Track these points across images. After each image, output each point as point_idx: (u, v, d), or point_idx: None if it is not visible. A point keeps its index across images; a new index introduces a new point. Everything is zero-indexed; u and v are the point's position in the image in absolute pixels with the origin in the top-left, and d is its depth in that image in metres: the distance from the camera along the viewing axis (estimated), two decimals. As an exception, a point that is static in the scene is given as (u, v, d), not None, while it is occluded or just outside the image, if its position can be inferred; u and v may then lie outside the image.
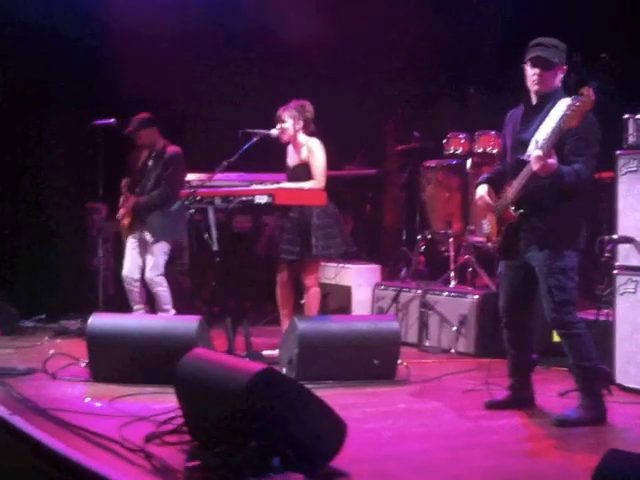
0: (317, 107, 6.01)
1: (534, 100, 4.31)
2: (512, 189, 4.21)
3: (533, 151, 4.05)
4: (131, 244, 6.66)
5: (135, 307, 6.62)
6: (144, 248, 6.60)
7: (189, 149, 6.98)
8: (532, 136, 4.18)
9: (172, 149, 6.72)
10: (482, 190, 4.48)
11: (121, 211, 6.76)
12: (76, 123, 7.21)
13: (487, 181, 4.51)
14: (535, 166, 3.99)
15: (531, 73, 4.25)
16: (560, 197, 4.16)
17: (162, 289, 6.54)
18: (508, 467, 3.47)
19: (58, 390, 4.72)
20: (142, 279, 6.57)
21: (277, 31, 7.95)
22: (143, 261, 6.60)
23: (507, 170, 4.39)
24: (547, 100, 4.22)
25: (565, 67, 4.26)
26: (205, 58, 8.26)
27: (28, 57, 7.40)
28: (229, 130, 5.96)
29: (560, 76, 4.27)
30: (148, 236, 6.55)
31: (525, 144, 4.22)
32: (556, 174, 4.00)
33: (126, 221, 6.71)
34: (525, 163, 4.11)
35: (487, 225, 4.54)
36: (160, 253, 6.54)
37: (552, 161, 3.97)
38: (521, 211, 4.20)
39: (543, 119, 4.18)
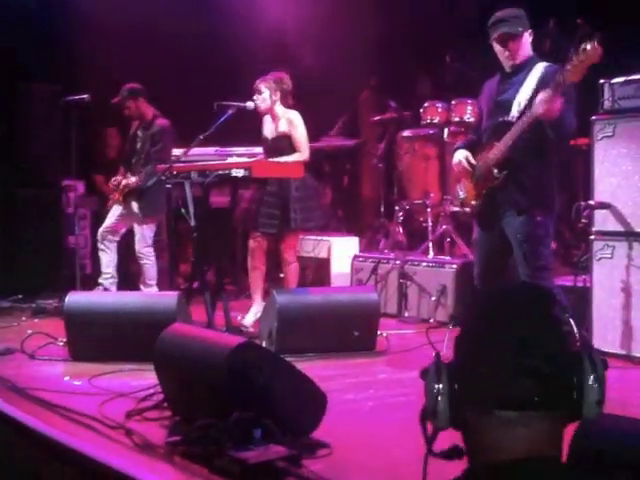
0: (291, 77, 5.96)
1: (509, 69, 4.33)
2: (496, 150, 4.23)
3: (540, 94, 4.01)
4: (116, 209, 6.71)
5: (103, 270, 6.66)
6: (129, 218, 6.63)
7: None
8: (513, 98, 4.22)
9: (161, 122, 6.71)
10: (461, 154, 4.50)
11: (115, 184, 6.76)
12: (48, 99, 7.13)
13: (465, 147, 4.52)
14: (542, 108, 3.96)
15: (501, 49, 4.31)
16: (540, 158, 4.22)
17: (148, 263, 6.62)
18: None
19: (37, 370, 4.69)
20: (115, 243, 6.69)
21: (253, 2, 7.88)
22: (122, 228, 6.71)
23: (484, 136, 4.41)
24: (523, 67, 4.30)
25: (530, 30, 4.29)
26: (177, 30, 8.17)
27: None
28: (204, 103, 5.90)
29: (529, 40, 4.30)
30: (136, 208, 6.56)
31: (505, 106, 4.27)
32: (561, 116, 4.01)
33: (117, 196, 6.71)
34: (510, 124, 4.16)
35: (462, 191, 4.56)
36: (147, 226, 6.58)
37: (561, 101, 3.98)
38: (505, 172, 4.21)
39: (522, 82, 4.24)
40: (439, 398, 1.39)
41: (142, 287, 6.66)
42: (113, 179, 6.84)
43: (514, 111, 4.21)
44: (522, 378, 1.32)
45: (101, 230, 6.70)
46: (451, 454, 1.44)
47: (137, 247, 6.65)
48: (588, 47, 3.85)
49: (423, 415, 1.44)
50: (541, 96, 3.99)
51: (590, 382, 1.36)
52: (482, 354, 1.36)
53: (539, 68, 4.23)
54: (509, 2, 4.32)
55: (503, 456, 1.34)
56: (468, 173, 4.44)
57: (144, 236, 6.62)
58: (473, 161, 4.45)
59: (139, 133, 6.78)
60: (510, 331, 1.35)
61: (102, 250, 6.67)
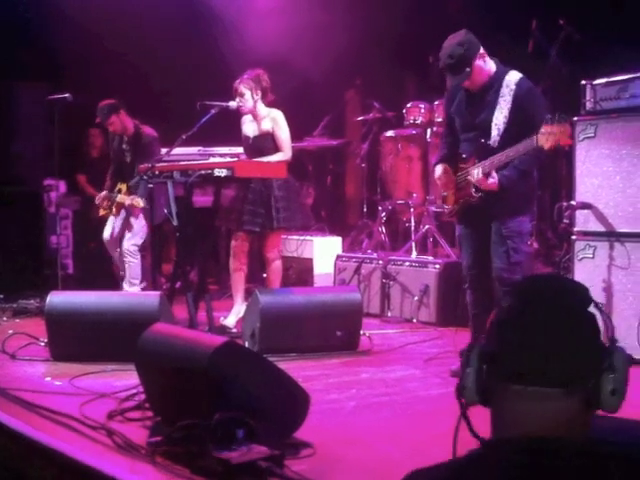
0: (275, 77, 5.95)
1: (476, 89, 4.35)
2: (477, 170, 4.25)
3: (475, 174, 4.22)
4: (112, 218, 6.77)
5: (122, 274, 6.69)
6: (127, 219, 6.67)
7: (147, 123, 6.89)
8: (490, 120, 4.26)
9: (148, 131, 6.72)
10: (439, 171, 4.58)
11: (102, 202, 6.79)
12: (31, 97, 7.10)
13: (442, 160, 4.57)
14: (478, 185, 4.22)
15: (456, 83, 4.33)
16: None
17: (133, 261, 6.63)
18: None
19: (18, 370, 4.65)
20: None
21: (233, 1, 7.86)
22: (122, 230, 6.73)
23: (462, 148, 4.44)
24: (489, 87, 4.30)
25: (480, 52, 4.25)
26: (161, 30, 8.13)
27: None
28: (187, 103, 5.89)
29: (483, 62, 4.28)
30: (142, 203, 6.55)
31: (483, 127, 4.30)
32: (498, 189, 4.19)
33: (114, 211, 6.72)
34: (491, 150, 4.22)
35: (444, 190, 4.61)
36: (139, 225, 6.58)
37: (493, 181, 4.18)
38: (480, 194, 4.29)
39: (495, 103, 4.26)
40: (468, 375, 1.49)
41: (126, 286, 6.63)
42: (100, 197, 6.80)
43: (494, 135, 4.25)
44: (534, 353, 1.40)
45: (104, 237, 6.68)
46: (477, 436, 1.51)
47: (126, 244, 6.64)
48: (565, 125, 3.90)
49: (456, 391, 1.53)
50: (475, 177, 4.21)
51: (606, 370, 1.41)
52: (507, 334, 1.45)
53: (509, 84, 4.23)
54: (493, 3, 4.31)
55: (517, 430, 1.41)
56: (449, 185, 4.50)
57: (134, 234, 6.61)
58: (452, 174, 4.50)
59: (124, 146, 6.76)
60: (534, 315, 1.44)
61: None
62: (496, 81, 4.27)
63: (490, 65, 4.31)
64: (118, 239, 6.70)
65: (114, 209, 6.72)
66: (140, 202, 6.45)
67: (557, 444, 1.37)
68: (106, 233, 6.74)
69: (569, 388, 1.40)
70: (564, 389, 1.40)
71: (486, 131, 4.28)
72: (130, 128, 6.74)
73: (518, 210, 4.33)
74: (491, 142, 4.25)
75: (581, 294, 1.50)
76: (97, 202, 6.86)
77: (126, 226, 6.70)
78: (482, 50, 4.27)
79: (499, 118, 4.23)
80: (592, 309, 1.50)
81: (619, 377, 1.42)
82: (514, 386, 1.42)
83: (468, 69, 4.22)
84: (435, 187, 6.84)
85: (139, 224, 6.66)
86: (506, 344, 1.44)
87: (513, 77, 4.26)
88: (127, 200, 6.54)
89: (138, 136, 6.71)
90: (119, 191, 6.74)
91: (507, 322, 1.47)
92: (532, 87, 4.31)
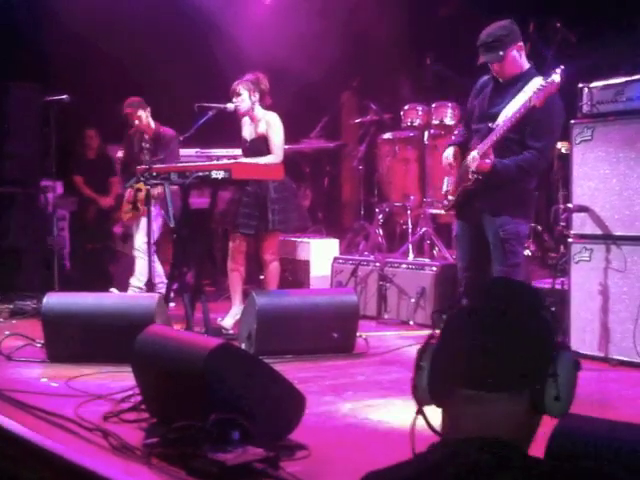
0: (272, 80, 5.96)
1: (501, 81, 4.39)
2: (474, 152, 4.30)
3: (472, 152, 4.27)
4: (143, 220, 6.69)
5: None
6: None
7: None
8: (502, 109, 4.31)
9: (169, 131, 6.76)
10: (448, 152, 4.59)
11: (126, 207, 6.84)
12: (27, 98, 7.08)
13: (455, 144, 4.60)
14: (472, 164, 4.23)
15: (491, 68, 4.40)
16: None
17: (140, 259, 6.63)
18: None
19: (14, 371, 4.64)
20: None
21: (230, 4, 7.86)
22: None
23: (472, 139, 4.49)
24: (516, 81, 4.35)
25: (518, 44, 4.31)
26: (158, 33, 8.14)
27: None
28: (185, 105, 5.89)
29: (519, 55, 4.34)
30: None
31: (492, 117, 4.36)
32: (492, 172, 4.22)
33: (128, 216, 6.75)
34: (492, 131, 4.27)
35: (447, 183, 4.63)
36: (154, 225, 6.49)
37: (488, 162, 4.22)
38: (476, 176, 4.27)
39: (514, 95, 4.32)
40: (421, 375, 1.49)
41: (133, 282, 6.66)
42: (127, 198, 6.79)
43: (499, 120, 4.32)
44: (479, 357, 1.39)
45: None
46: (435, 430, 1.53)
47: (139, 242, 6.68)
48: (552, 76, 4.05)
49: (412, 390, 1.54)
50: (472, 155, 4.27)
51: (551, 376, 1.40)
52: (456, 337, 1.46)
53: (535, 85, 4.27)
54: (490, 5, 4.34)
55: (460, 434, 1.42)
56: (453, 170, 4.51)
57: (146, 232, 6.58)
58: (453, 162, 4.51)
59: (144, 144, 6.78)
60: (481, 317, 1.44)
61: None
62: (524, 79, 4.34)
63: (524, 61, 4.39)
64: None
65: (140, 207, 6.66)
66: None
67: (494, 446, 1.36)
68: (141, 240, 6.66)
69: (514, 392, 1.40)
70: (509, 393, 1.40)
71: (494, 119, 4.34)
72: (152, 127, 6.82)
73: (515, 212, 4.35)
74: (493, 126, 4.29)
75: (531, 298, 1.48)
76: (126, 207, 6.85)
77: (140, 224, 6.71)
78: (521, 44, 4.34)
79: (510, 109, 4.27)
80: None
81: (563, 383, 1.41)
82: (461, 389, 1.42)
83: (501, 53, 4.27)
84: (432, 189, 6.86)
85: (155, 224, 6.62)
86: (454, 347, 1.44)
87: (540, 81, 4.30)
88: (155, 190, 6.28)
89: (159, 135, 6.77)
90: (138, 190, 6.72)
91: (457, 325, 1.47)
92: (556, 96, 4.30)
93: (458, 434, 1.43)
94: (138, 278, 6.70)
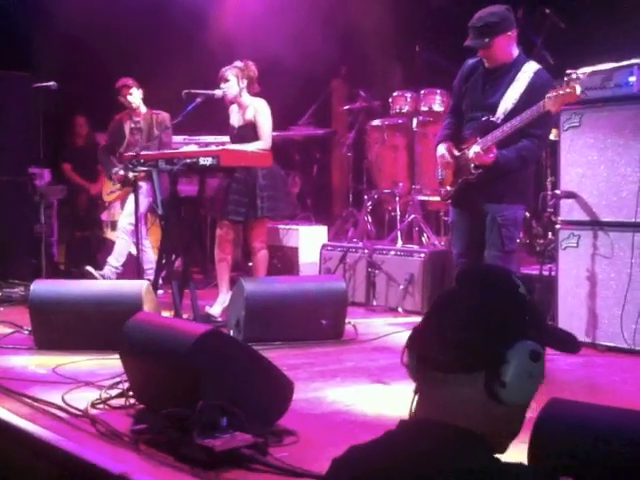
0: (262, 67, 5.94)
1: (490, 67, 4.35)
2: (477, 147, 4.27)
3: (475, 149, 4.23)
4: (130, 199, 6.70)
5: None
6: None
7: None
8: (499, 100, 4.29)
9: (164, 115, 6.74)
10: (442, 149, 4.55)
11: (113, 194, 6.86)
12: (15, 85, 7.04)
13: (445, 139, 4.56)
14: (475, 159, 4.22)
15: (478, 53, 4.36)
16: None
17: (125, 239, 6.64)
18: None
19: (2, 358, 4.62)
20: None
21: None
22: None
23: (467, 128, 4.45)
24: (506, 69, 4.31)
25: (509, 33, 4.27)
26: (149, 20, 8.09)
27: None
28: (175, 92, 5.87)
29: (509, 42, 4.30)
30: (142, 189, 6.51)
31: (491, 107, 4.31)
32: (495, 165, 4.21)
33: (111, 197, 6.74)
34: (495, 125, 4.24)
35: (443, 172, 4.61)
36: (142, 206, 6.47)
37: (492, 156, 4.20)
38: (480, 171, 4.28)
39: (509, 85, 4.28)
40: (404, 354, 1.53)
41: (110, 261, 6.69)
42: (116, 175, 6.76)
43: (500, 112, 4.28)
44: (438, 338, 1.43)
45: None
46: None
47: (123, 222, 6.68)
48: (571, 86, 3.98)
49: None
50: (474, 149, 4.24)
51: (505, 362, 1.40)
52: (424, 319, 1.51)
53: (528, 72, 4.26)
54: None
55: (421, 414, 1.46)
56: (450, 164, 4.49)
57: (131, 212, 6.53)
58: (456, 152, 4.48)
59: (139, 125, 6.77)
60: (445, 302, 1.50)
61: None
62: (514, 66, 4.31)
63: (514, 50, 4.35)
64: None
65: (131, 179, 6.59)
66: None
67: (449, 431, 1.39)
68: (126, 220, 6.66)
69: (471, 375, 1.41)
70: (469, 377, 1.41)
71: (493, 111, 4.31)
72: (142, 112, 6.84)
73: (514, 198, 4.35)
74: (494, 119, 4.28)
75: (501, 283, 1.49)
76: (115, 181, 6.85)
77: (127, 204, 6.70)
78: (512, 33, 4.28)
79: (509, 99, 4.26)
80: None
81: (515, 371, 1.39)
82: (424, 369, 1.46)
83: (487, 40, 4.22)
84: (421, 176, 6.86)
85: (142, 204, 6.58)
86: (421, 329, 1.48)
87: (533, 66, 4.31)
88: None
89: (151, 114, 6.76)
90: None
91: (431, 307, 1.52)
92: (549, 79, 4.31)
93: (418, 413, 1.47)
94: (116, 258, 6.70)
